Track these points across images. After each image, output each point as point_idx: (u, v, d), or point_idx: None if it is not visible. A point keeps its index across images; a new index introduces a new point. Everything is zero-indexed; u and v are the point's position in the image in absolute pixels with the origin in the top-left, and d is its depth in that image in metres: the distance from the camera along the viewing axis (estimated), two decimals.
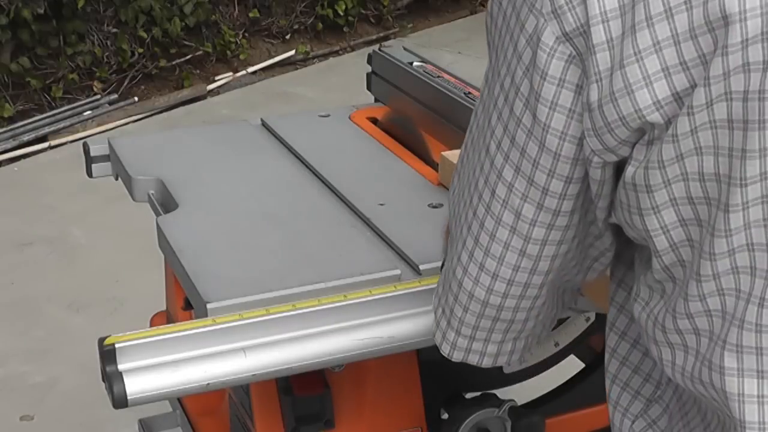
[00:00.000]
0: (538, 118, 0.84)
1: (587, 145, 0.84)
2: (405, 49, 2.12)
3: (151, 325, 1.95)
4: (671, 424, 0.97)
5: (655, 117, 0.79)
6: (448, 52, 5.62)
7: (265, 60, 5.66)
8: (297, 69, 5.70)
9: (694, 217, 0.82)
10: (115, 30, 5.08)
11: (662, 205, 0.83)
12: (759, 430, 0.82)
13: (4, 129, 4.62)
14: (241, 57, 5.60)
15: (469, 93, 1.81)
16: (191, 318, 1.42)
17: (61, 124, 4.74)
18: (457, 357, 1.06)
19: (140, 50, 5.15)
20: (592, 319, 1.65)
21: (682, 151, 0.79)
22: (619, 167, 0.86)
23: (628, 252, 1.00)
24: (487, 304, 0.98)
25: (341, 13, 5.97)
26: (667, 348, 0.89)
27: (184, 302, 1.67)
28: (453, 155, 1.64)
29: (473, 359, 1.06)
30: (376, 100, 2.12)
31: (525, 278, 0.95)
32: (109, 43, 5.08)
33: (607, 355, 1.04)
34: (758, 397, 0.82)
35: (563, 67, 0.82)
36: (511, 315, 0.99)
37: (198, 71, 5.46)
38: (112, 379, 1.21)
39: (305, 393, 1.45)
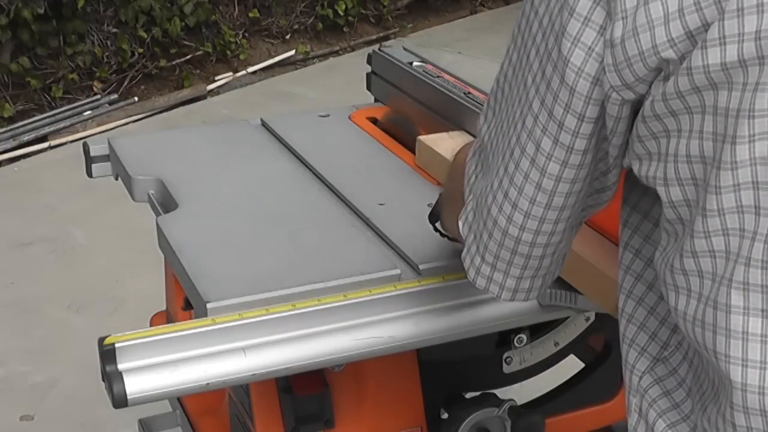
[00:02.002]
0: (562, 51, 0.89)
1: (607, 81, 0.88)
2: (405, 49, 2.11)
3: (151, 325, 1.95)
4: (690, 396, 0.97)
5: (670, 53, 0.83)
6: (448, 52, 5.62)
7: (265, 60, 5.66)
8: (297, 69, 5.70)
9: (699, 154, 0.85)
10: (115, 30, 5.08)
11: (684, 132, 0.86)
12: (761, 368, 0.83)
13: (4, 129, 4.62)
14: (241, 57, 5.60)
15: (469, 93, 1.81)
16: (191, 318, 1.42)
17: (61, 124, 4.75)
18: (480, 284, 1.11)
19: (140, 50, 5.15)
20: (592, 319, 1.64)
21: (697, 85, 0.82)
22: (635, 109, 0.90)
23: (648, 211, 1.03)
24: (506, 234, 1.02)
25: (341, 13, 5.97)
26: (673, 292, 0.91)
27: (184, 302, 1.67)
28: (430, 140, 1.71)
29: (494, 290, 1.10)
30: (376, 100, 2.12)
31: (540, 213, 0.99)
32: (109, 43, 5.08)
33: (619, 317, 1.07)
34: (762, 336, 0.83)
35: (590, 7, 0.87)
36: (528, 250, 1.03)
37: (198, 71, 5.47)
38: (112, 378, 1.21)
39: (305, 393, 1.45)
